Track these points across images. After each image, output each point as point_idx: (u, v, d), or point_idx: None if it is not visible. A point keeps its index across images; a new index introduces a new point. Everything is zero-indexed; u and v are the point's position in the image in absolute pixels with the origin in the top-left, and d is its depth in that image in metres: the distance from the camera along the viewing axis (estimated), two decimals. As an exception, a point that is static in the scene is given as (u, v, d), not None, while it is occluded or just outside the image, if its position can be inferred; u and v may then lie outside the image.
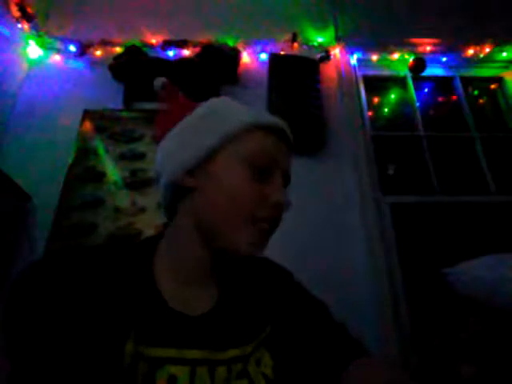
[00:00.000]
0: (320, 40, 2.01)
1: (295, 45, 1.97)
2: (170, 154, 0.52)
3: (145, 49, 1.85)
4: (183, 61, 1.82)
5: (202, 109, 0.53)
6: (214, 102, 0.55)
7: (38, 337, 0.38)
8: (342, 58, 1.97)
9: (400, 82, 2.09)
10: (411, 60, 1.96)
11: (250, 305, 0.52)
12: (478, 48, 2.04)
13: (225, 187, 0.47)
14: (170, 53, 1.90)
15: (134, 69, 1.76)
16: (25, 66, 1.84)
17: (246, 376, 0.44)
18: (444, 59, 2.05)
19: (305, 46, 1.98)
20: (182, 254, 0.49)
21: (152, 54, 1.85)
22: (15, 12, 1.75)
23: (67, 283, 0.41)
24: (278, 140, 0.51)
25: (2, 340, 0.39)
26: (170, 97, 0.59)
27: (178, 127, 0.53)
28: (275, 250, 1.62)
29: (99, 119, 1.69)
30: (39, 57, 1.89)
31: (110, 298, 0.42)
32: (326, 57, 1.95)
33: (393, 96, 2.11)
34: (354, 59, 2.00)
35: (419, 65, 1.94)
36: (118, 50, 1.88)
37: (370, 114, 1.96)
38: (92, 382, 0.37)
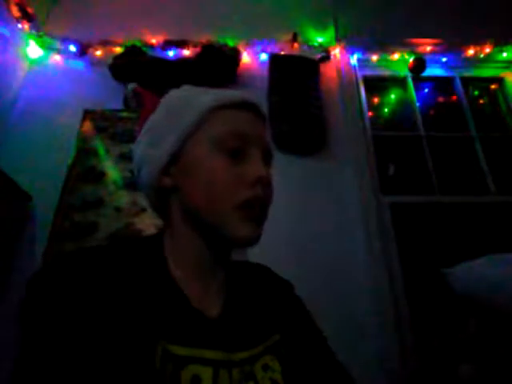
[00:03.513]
0: (320, 40, 2.01)
1: (295, 45, 1.97)
2: (142, 156, 0.51)
3: (145, 49, 1.85)
4: (183, 61, 1.82)
5: (162, 105, 0.52)
6: (172, 95, 0.53)
7: (66, 340, 0.36)
8: (342, 58, 1.97)
9: (400, 82, 2.09)
10: (411, 60, 1.96)
11: (255, 309, 0.51)
12: (478, 48, 2.04)
13: (201, 178, 0.46)
14: (170, 53, 1.90)
15: (134, 69, 1.76)
16: (25, 65, 1.84)
17: (252, 378, 0.44)
18: (444, 59, 2.05)
19: (305, 46, 1.98)
20: (184, 254, 0.49)
21: (152, 53, 1.85)
22: (15, 12, 1.75)
23: (88, 282, 0.40)
24: (250, 115, 0.49)
25: (20, 343, 0.37)
26: (145, 99, 0.59)
27: (145, 128, 0.52)
28: (275, 249, 1.62)
29: (99, 119, 1.69)
30: (39, 57, 1.89)
31: (135, 297, 0.41)
32: (326, 57, 1.95)
33: (393, 96, 2.11)
34: (354, 59, 2.00)
35: (419, 65, 1.94)
36: (118, 49, 1.87)
37: (370, 114, 1.95)
38: None
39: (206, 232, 0.48)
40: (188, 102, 0.49)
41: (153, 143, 0.49)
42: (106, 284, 0.41)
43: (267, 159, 0.50)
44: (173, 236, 0.50)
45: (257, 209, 0.46)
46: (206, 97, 0.49)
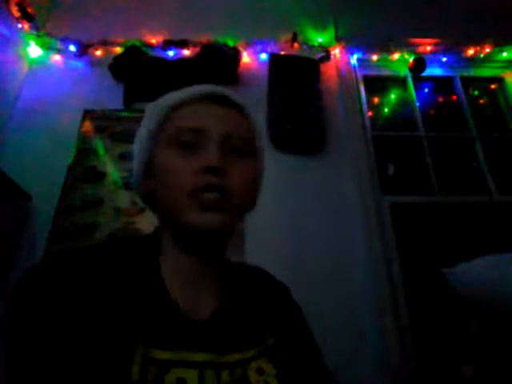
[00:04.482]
0: (320, 40, 2.01)
1: (295, 45, 1.97)
2: (133, 162, 0.54)
3: (145, 49, 1.86)
4: (183, 61, 1.82)
5: (143, 119, 0.55)
6: (147, 107, 0.55)
7: (43, 341, 0.37)
8: (342, 58, 1.97)
9: (400, 82, 2.09)
10: (411, 60, 1.96)
11: (250, 311, 0.51)
12: (478, 48, 2.04)
13: (161, 175, 0.47)
14: (170, 53, 1.90)
15: (134, 69, 1.76)
16: (25, 65, 1.84)
17: (246, 382, 0.44)
18: (444, 59, 2.05)
19: (305, 46, 1.98)
20: (172, 255, 0.49)
21: (152, 53, 1.85)
22: (15, 12, 1.75)
23: (73, 284, 0.40)
24: (212, 108, 0.49)
25: (4, 344, 0.38)
26: None
27: (135, 138, 0.55)
28: (275, 249, 1.62)
29: (99, 119, 1.69)
30: (39, 57, 1.89)
31: (119, 298, 0.41)
32: (326, 57, 1.95)
33: (393, 96, 2.11)
34: (354, 59, 1.99)
35: (419, 65, 1.94)
36: (118, 49, 1.88)
37: (370, 114, 1.95)
38: None
39: (175, 232, 0.48)
40: (155, 106, 0.52)
41: (136, 150, 0.53)
42: (90, 285, 0.41)
43: (235, 149, 0.48)
44: (162, 237, 0.50)
45: (209, 195, 0.44)
46: (165, 99, 0.51)
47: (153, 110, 0.51)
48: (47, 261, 0.43)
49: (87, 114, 1.70)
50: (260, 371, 0.46)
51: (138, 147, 0.53)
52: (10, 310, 0.39)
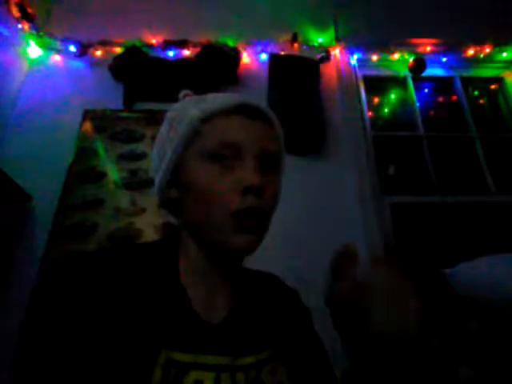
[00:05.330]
0: (320, 40, 2.01)
1: (295, 45, 1.97)
2: (154, 166, 0.53)
3: (145, 49, 1.86)
4: (183, 61, 1.82)
5: (166, 116, 0.53)
6: (173, 106, 0.53)
7: (68, 345, 0.38)
8: (342, 58, 1.97)
9: (400, 82, 2.09)
10: (411, 60, 1.96)
11: (262, 316, 0.52)
12: (478, 48, 2.04)
13: (195, 190, 0.46)
14: (170, 53, 1.90)
15: (133, 69, 1.76)
16: (25, 65, 1.84)
17: (259, 383, 0.44)
18: (444, 59, 2.05)
19: (305, 46, 1.98)
20: (192, 262, 0.49)
21: (152, 53, 1.85)
22: (15, 12, 1.75)
23: (96, 288, 0.41)
24: (242, 120, 0.47)
25: (21, 347, 0.38)
26: None
27: (156, 138, 0.53)
28: (275, 249, 1.61)
29: (99, 119, 1.69)
30: (39, 57, 1.89)
31: (140, 302, 0.42)
32: (326, 57, 1.94)
33: (393, 96, 2.11)
34: (354, 59, 2.00)
35: (419, 65, 1.94)
36: (118, 49, 1.87)
37: (370, 114, 1.95)
38: None
39: (204, 245, 0.48)
40: (181, 114, 0.49)
41: (159, 155, 0.51)
42: (113, 290, 0.42)
43: (267, 164, 0.48)
44: (183, 244, 0.51)
45: (250, 219, 0.44)
46: (195, 108, 0.48)
47: (180, 119, 0.49)
48: (67, 263, 0.43)
49: (87, 113, 1.70)
50: (273, 373, 0.46)
51: (160, 154, 0.51)
52: (32, 315, 0.40)
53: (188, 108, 0.49)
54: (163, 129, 0.52)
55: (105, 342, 0.38)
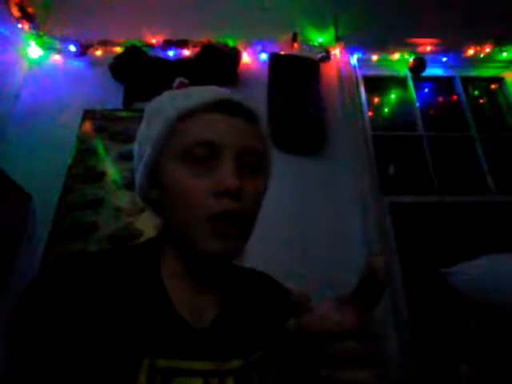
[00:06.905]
0: (320, 40, 2.01)
1: (295, 45, 1.97)
2: (134, 165, 0.51)
3: (145, 49, 1.86)
4: (183, 61, 1.82)
5: (144, 113, 0.51)
6: (150, 103, 0.51)
7: (51, 351, 0.37)
8: (342, 58, 1.97)
9: (400, 82, 2.09)
10: (411, 60, 1.96)
11: (252, 316, 0.50)
12: (478, 48, 2.04)
13: (172, 192, 0.44)
14: (170, 53, 1.90)
15: (133, 69, 1.76)
16: (25, 65, 1.84)
17: None
18: (444, 59, 2.05)
19: (305, 46, 1.98)
20: (174, 264, 0.48)
21: (152, 53, 1.85)
22: (15, 12, 1.75)
23: (78, 293, 0.40)
24: (223, 118, 0.45)
25: (7, 353, 0.38)
26: None
27: (137, 135, 0.52)
28: (275, 250, 1.61)
29: (99, 119, 1.69)
30: (39, 57, 1.89)
31: (122, 308, 0.41)
32: (326, 57, 1.94)
33: (393, 96, 2.11)
34: (354, 59, 2.00)
35: (419, 65, 1.94)
36: (118, 49, 1.88)
37: (370, 114, 1.95)
38: None
39: (183, 248, 0.47)
40: (158, 111, 0.48)
41: (139, 154, 0.49)
42: (97, 294, 0.41)
43: (248, 165, 0.46)
44: (166, 245, 0.50)
45: (228, 224, 0.42)
46: (171, 106, 0.46)
47: (157, 116, 0.47)
48: (51, 270, 0.43)
49: (87, 113, 1.70)
50: (262, 375, 0.45)
51: (139, 153, 0.50)
52: (15, 323, 0.39)
53: (165, 105, 0.47)
54: (143, 125, 0.50)
55: (87, 348, 0.37)
